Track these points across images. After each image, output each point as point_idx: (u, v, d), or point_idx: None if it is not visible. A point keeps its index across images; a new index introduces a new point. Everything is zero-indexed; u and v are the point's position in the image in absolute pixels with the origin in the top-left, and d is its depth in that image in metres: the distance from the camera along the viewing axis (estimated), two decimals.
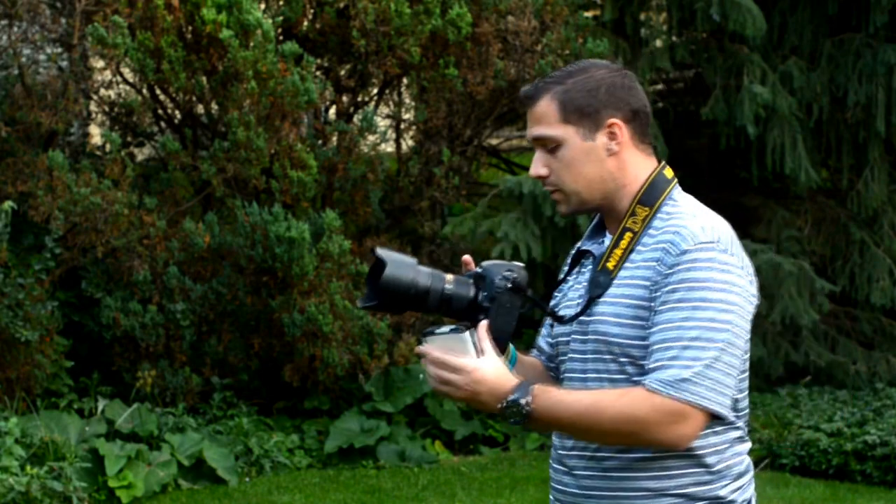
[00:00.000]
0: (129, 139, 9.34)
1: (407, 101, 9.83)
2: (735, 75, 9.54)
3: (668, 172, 2.61)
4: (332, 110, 9.51)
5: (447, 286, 2.52)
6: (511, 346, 2.62)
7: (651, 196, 2.56)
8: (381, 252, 2.50)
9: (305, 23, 9.08)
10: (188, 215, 8.62)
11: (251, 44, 8.19)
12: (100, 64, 9.05)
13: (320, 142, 8.90)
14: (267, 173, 8.40)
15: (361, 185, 8.94)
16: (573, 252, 2.71)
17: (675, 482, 2.52)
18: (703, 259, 2.46)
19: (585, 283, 2.59)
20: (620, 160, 2.57)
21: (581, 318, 2.56)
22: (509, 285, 2.51)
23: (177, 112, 9.02)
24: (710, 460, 2.52)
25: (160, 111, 9.09)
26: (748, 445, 2.63)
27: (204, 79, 8.45)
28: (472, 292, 2.53)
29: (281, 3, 9.00)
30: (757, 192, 10.09)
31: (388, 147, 9.89)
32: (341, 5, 8.92)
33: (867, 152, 9.88)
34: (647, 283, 2.48)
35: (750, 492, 2.61)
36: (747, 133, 9.33)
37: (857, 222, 9.98)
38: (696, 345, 2.42)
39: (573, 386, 2.55)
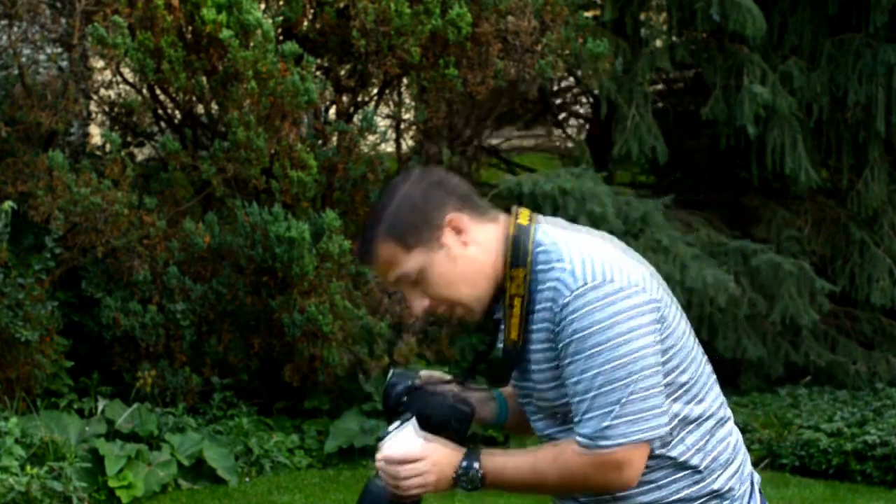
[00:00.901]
0: (129, 139, 9.34)
1: (407, 101, 9.83)
2: (735, 75, 9.55)
3: (523, 219, 2.53)
4: (332, 110, 9.51)
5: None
6: (496, 392, 2.68)
7: (518, 255, 2.49)
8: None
9: (305, 23, 9.08)
10: (188, 215, 8.62)
11: (251, 44, 8.18)
12: (100, 64, 9.05)
13: (320, 142, 8.90)
14: (267, 173, 8.40)
15: (361, 185, 8.94)
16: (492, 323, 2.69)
17: (668, 490, 2.52)
18: (581, 306, 2.40)
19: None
20: (476, 244, 2.50)
21: (519, 385, 2.59)
22: (460, 422, 2.58)
23: (177, 112, 9.02)
24: (694, 461, 2.52)
25: (160, 111, 9.09)
26: (730, 426, 2.61)
27: (204, 79, 8.44)
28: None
29: (281, 3, 9.00)
30: (757, 192, 10.10)
31: (388, 147, 9.89)
32: (341, 5, 8.92)
33: (867, 152, 9.89)
34: (550, 341, 2.47)
35: (746, 471, 2.62)
36: (747, 133, 9.34)
37: (857, 222, 9.99)
38: (604, 391, 2.39)
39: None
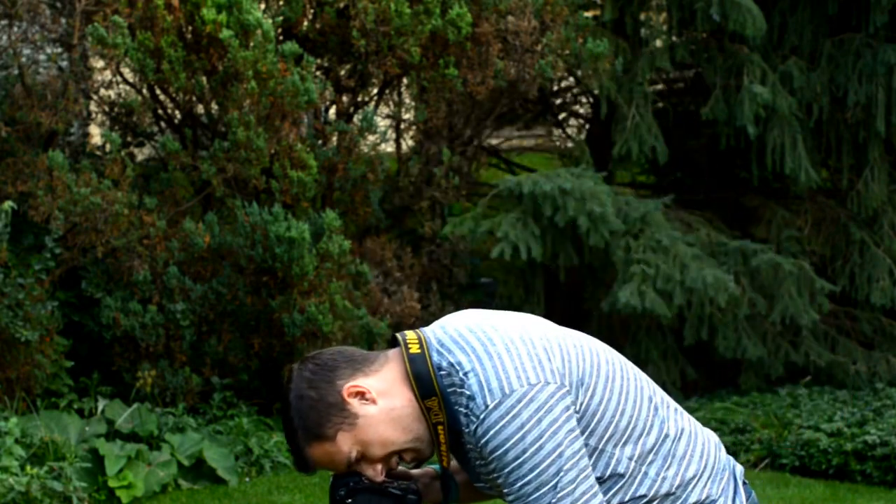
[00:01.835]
0: (129, 139, 9.35)
1: (407, 101, 9.83)
2: (735, 75, 9.55)
3: (414, 348, 2.52)
4: (332, 110, 9.51)
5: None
6: (437, 468, 2.65)
7: (424, 385, 2.49)
8: None
9: (305, 23, 9.08)
10: (188, 215, 8.62)
11: (251, 44, 8.19)
12: (100, 64, 9.06)
13: (320, 142, 8.90)
14: (267, 173, 8.40)
15: (361, 185, 8.94)
16: None
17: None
18: (489, 428, 2.41)
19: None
20: (383, 396, 2.50)
21: (477, 485, 2.59)
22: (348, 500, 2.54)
23: (177, 112, 9.02)
24: (664, 489, 2.53)
25: (160, 111, 9.09)
26: (688, 435, 2.59)
27: (204, 79, 8.45)
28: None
29: (281, 3, 9.00)
30: (757, 192, 10.10)
31: (388, 147, 9.90)
32: (341, 5, 8.92)
33: (867, 152, 9.88)
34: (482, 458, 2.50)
35: (720, 467, 2.61)
36: (747, 133, 9.34)
37: (857, 222, 9.99)
38: (536, 496, 2.41)
39: None
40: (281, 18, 8.74)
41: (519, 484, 2.41)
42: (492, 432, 2.40)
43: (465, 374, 2.44)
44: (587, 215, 8.78)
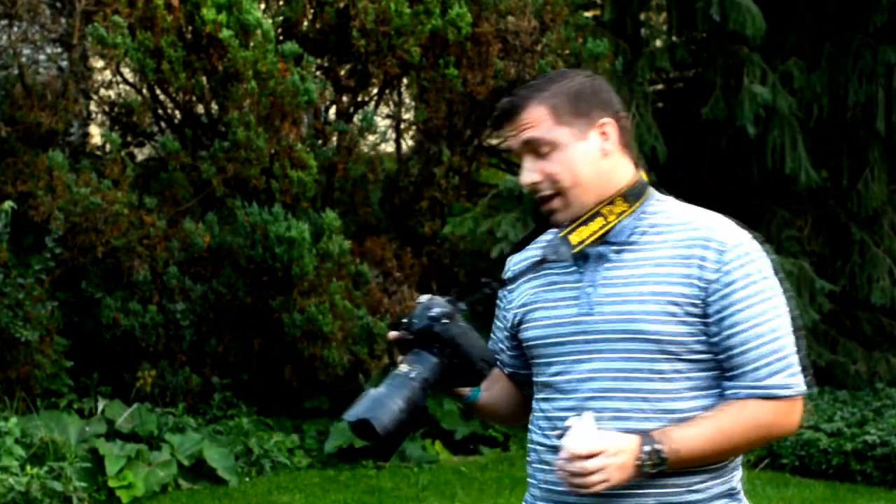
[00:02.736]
0: (129, 139, 9.35)
1: (407, 101, 9.83)
2: (735, 75, 9.54)
3: (646, 176, 2.61)
4: (332, 110, 9.51)
5: (411, 375, 2.47)
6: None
7: (632, 194, 2.55)
8: (352, 416, 2.51)
9: (305, 23, 9.08)
10: (188, 215, 8.62)
11: (251, 44, 8.19)
12: (100, 64, 9.06)
13: (320, 142, 8.90)
14: (267, 173, 8.40)
15: (361, 185, 8.95)
16: (524, 261, 2.66)
17: (694, 478, 2.51)
18: (750, 251, 2.50)
19: (579, 284, 2.55)
20: (611, 162, 2.55)
21: (595, 317, 2.52)
22: (447, 321, 2.46)
23: (177, 112, 9.02)
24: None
25: (160, 111, 9.09)
26: None
27: (204, 79, 8.45)
28: (428, 357, 2.47)
29: (281, 3, 9.00)
30: (757, 192, 10.09)
31: (388, 147, 9.90)
32: (341, 5, 8.92)
33: (867, 152, 9.88)
34: (687, 280, 2.48)
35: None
36: (747, 133, 9.33)
37: (857, 222, 9.98)
38: (781, 334, 2.49)
39: (595, 387, 2.50)
40: (281, 18, 8.74)
41: (761, 315, 2.47)
42: (751, 256, 2.49)
43: (720, 218, 2.55)
44: None
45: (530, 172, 2.53)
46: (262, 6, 8.90)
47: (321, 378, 8.41)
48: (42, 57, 8.96)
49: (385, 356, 8.57)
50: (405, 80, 9.48)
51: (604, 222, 2.52)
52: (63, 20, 8.89)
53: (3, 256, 7.76)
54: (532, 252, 2.67)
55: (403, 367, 2.46)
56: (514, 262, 2.70)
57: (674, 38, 10.14)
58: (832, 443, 7.99)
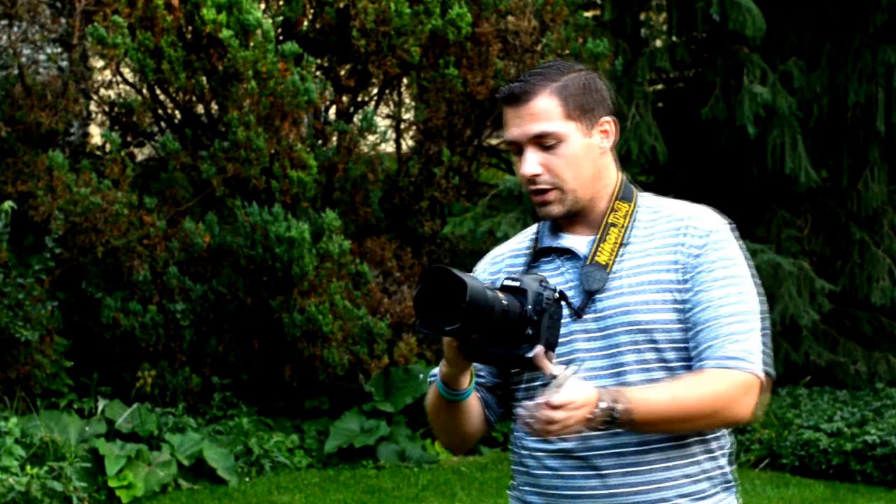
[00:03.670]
0: (129, 139, 9.35)
1: (407, 101, 9.83)
2: (735, 75, 9.53)
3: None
4: (332, 110, 9.51)
5: (503, 300, 2.41)
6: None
7: (627, 192, 2.61)
8: (452, 271, 2.35)
9: (305, 23, 9.08)
10: (188, 215, 8.62)
11: (251, 44, 8.19)
12: (100, 64, 9.06)
13: (320, 142, 8.90)
14: (267, 173, 8.40)
15: (361, 185, 8.95)
16: (527, 251, 2.65)
17: (701, 467, 2.54)
18: (726, 238, 2.56)
19: (570, 281, 2.56)
20: (605, 160, 2.60)
21: (595, 313, 2.52)
22: (556, 295, 2.46)
23: (177, 112, 9.03)
24: (717, 443, 2.57)
25: (160, 111, 9.09)
26: None
27: (204, 79, 8.45)
28: (518, 306, 2.43)
29: (281, 3, 9.01)
30: (757, 192, 10.08)
31: (388, 147, 9.89)
32: (341, 5, 8.92)
33: (867, 152, 9.87)
34: (674, 266, 2.52)
35: None
36: (747, 133, 9.32)
37: (857, 222, 9.98)
38: (745, 317, 2.51)
39: (601, 384, 2.48)
40: (281, 18, 8.74)
41: (727, 297, 2.50)
42: (725, 242, 2.56)
43: (700, 207, 2.63)
44: None
45: (533, 164, 2.54)
46: (262, 6, 8.90)
47: (321, 378, 8.41)
48: (42, 57, 8.96)
49: (385, 356, 8.57)
50: (405, 80, 9.48)
51: (618, 230, 2.56)
52: (63, 20, 8.89)
53: (3, 256, 7.76)
54: (511, 252, 2.67)
55: (497, 291, 2.41)
56: (493, 261, 2.69)
57: (674, 38, 10.14)
58: (832, 443, 7.99)
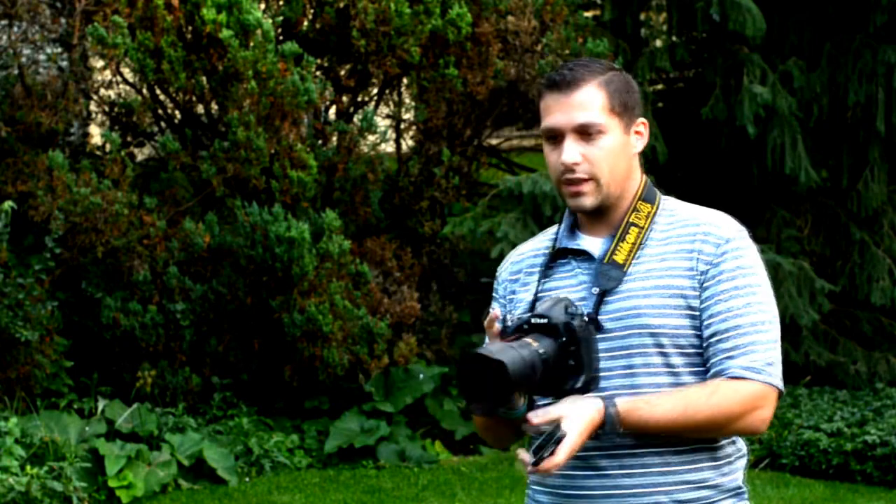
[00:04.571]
0: (129, 139, 9.35)
1: (407, 101, 9.83)
2: (735, 75, 9.53)
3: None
4: (332, 110, 9.51)
5: (538, 349, 2.40)
6: None
7: (650, 194, 2.62)
8: (487, 353, 2.35)
9: (305, 23, 9.08)
10: (188, 215, 8.62)
11: (251, 44, 8.19)
12: (100, 64, 9.06)
13: (320, 142, 8.90)
14: (267, 173, 8.41)
15: (361, 185, 8.95)
16: (546, 251, 2.65)
17: (702, 475, 2.53)
18: (745, 246, 2.55)
19: (583, 283, 2.56)
20: (635, 161, 2.61)
21: (602, 316, 2.52)
22: (586, 320, 2.46)
23: (177, 112, 9.03)
24: (728, 450, 2.58)
25: (160, 111, 9.09)
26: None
27: (204, 79, 8.45)
28: (554, 345, 2.42)
29: (281, 3, 9.01)
30: (757, 192, 10.08)
31: (388, 147, 9.89)
32: (341, 5, 8.93)
33: (867, 152, 9.87)
34: (689, 273, 2.52)
35: None
36: (747, 133, 9.32)
37: (857, 222, 9.98)
38: (763, 327, 2.52)
39: (609, 385, 2.50)
40: (281, 18, 8.74)
41: (747, 307, 2.50)
42: (744, 251, 2.55)
43: (719, 214, 2.62)
44: None
45: (574, 152, 2.54)
46: (262, 6, 8.90)
47: (321, 378, 8.41)
48: (42, 57, 8.96)
49: (385, 356, 8.57)
50: (405, 80, 9.48)
51: (638, 230, 2.56)
52: (63, 20, 8.89)
53: (3, 256, 7.76)
54: (532, 251, 2.68)
55: (528, 339, 2.42)
56: (515, 260, 2.71)
57: (674, 38, 10.13)
58: (832, 443, 7.99)
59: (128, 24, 8.24)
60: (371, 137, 9.03)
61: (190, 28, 8.41)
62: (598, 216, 2.59)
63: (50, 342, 8.01)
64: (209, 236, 8.34)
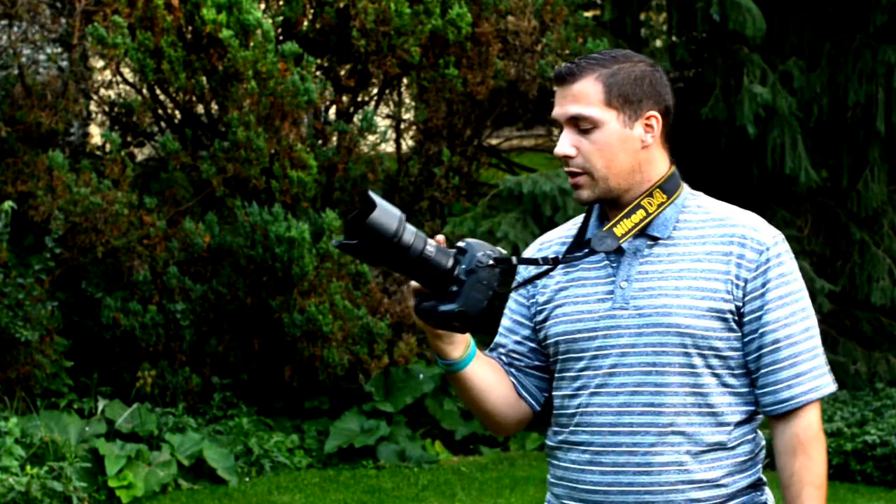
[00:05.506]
0: (129, 139, 9.35)
1: (407, 101, 9.83)
2: (735, 75, 9.53)
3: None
4: (332, 110, 9.51)
5: (428, 248, 2.40)
6: (471, 340, 2.57)
7: (671, 185, 2.60)
8: (374, 195, 2.36)
9: (305, 23, 9.08)
10: (188, 215, 8.62)
11: (251, 44, 8.19)
12: (100, 64, 9.06)
13: (320, 142, 8.91)
14: (267, 173, 8.41)
15: (361, 185, 8.94)
16: (568, 241, 2.65)
17: (718, 473, 2.54)
18: (784, 251, 2.57)
19: (611, 276, 2.56)
20: (649, 154, 2.56)
21: (629, 311, 2.52)
22: (490, 262, 2.43)
23: (177, 112, 9.03)
24: (746, 448, 2.60)
25: (160, 111, 9.09)
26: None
27: (204, 79, 8.45)
28: (450, 263, 2.42)
29: (281, 3, 9.01)
30: (757, 192, 10.08)
31: (388, 147, 9.89)
32: (341, 5, 8.93)
33: (867, 152, 9.87)
34: (726, 277, 2.52)
35: None
36: (747, 133, 9.32)
37: (857, 222, 9.98)
38: (808, 335, 2.57)
39: (626, 381, 2.51)
40: (281, 18, 8.74)
41: (792, 316, 2.54)
42: (783, 257, 2.56)
43: (754, 216, 2.63)
44: None
45: (566, 144, 2.54)
46: (262, 6, 8.90)
47: (321, 378, 8.41)
48: (42, 57, 8.96)
49: (385, 356, 8.57)
50: (405, 80, 9.48)
51: (645, 214, 2.54)
52: (63, 20, 8.89)
53: (3, 256, 7.76)
54: (559, 238, 2.69)
55: (437, 242, 2.44)
56: (542, 247, 2.71)
57: (674, 38, 10.14)
58: (832, 443, 7.99)
59: (128, 24, 8.24)
60: (371, 137, 9.03)
61: (190, 28, 8.41)
62: (615, 208, 2.57)
63: (50, 342, 8.01)
64: (209, 236, 8.34)
